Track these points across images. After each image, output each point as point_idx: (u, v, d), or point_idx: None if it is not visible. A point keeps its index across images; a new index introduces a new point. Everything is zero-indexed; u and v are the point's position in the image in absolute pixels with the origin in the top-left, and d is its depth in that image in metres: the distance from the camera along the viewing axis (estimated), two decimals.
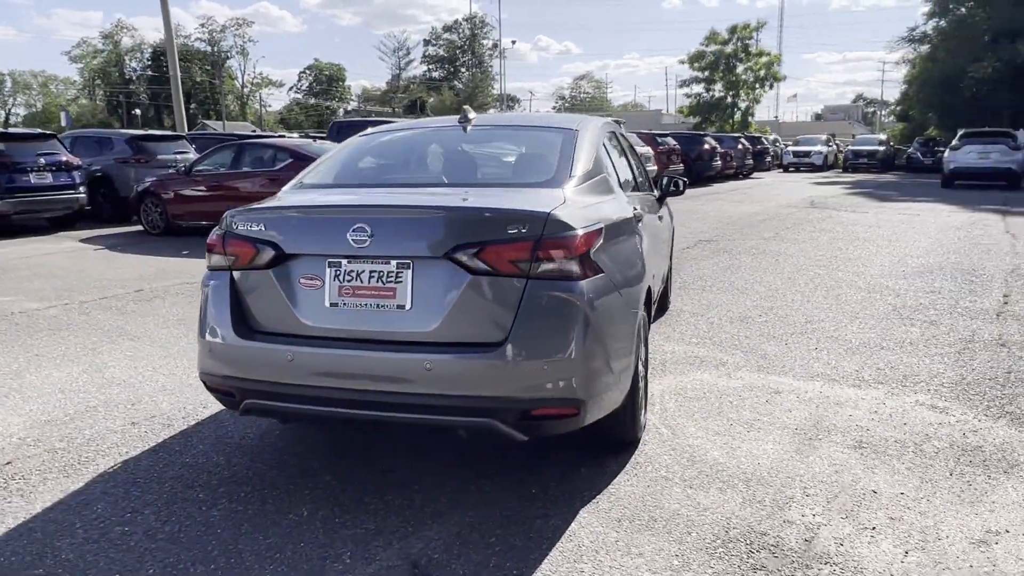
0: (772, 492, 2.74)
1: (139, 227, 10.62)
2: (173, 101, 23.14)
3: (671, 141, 20.28)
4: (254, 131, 35.46)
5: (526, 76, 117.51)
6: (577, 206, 2.68)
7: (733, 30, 36.38)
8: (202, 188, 9.98)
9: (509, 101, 78.58)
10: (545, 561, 2.30)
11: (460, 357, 2.43)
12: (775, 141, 31.73)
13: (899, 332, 4.93)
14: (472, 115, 3.52)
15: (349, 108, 78.83)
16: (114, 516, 2.61)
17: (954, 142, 20.27)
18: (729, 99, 36.21)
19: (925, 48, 35.40)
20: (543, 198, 2.67)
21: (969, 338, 4.78)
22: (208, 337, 2.76)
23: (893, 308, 5.64)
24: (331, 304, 2.58)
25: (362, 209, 2.65)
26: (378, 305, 2.53)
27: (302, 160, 9.52)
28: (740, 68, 36.04)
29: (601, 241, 2.64)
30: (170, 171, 10.90)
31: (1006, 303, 5.76)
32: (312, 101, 79.04)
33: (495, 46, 74.46)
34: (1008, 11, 29.73)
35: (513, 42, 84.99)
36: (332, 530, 2.50)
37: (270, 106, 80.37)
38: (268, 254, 2.66)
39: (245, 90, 78.46)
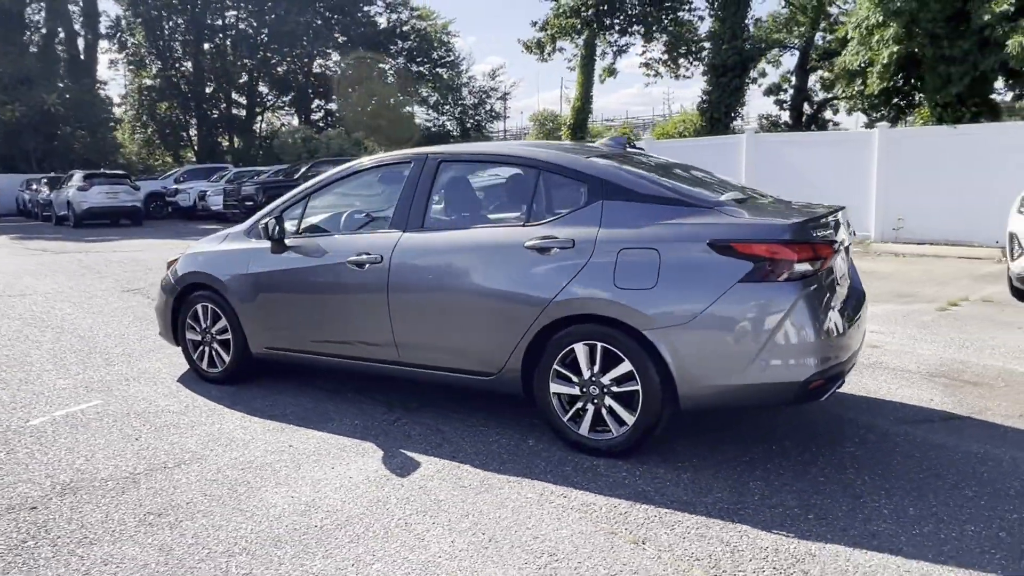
0: None
1: None
2: None
3: None
4: None
5: None
6: None
7: None
8: None
9: None
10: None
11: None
12: None
13: None
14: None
15: None
16: None
17: (79, 183, 20.56)
18: None
19: None
20: None
21: None
22: (824, 339, 3.14)
23: None
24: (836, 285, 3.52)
25: (836, 209, 3.63)
26: (840, 276, 3.60)
27: None
28: None
29: None
30: None
31: None
32: None
33: None
34: (28, 60, 30.27)
35: None
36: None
37: None
38: (833, 251, 3.31)
39: None
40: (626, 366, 3.32)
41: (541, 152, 3.84)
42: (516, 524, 2.84)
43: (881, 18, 11.78)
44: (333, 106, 40.69)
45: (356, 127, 33.59)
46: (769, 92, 26.44)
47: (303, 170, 18.20)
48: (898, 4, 11.35)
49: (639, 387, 3.30)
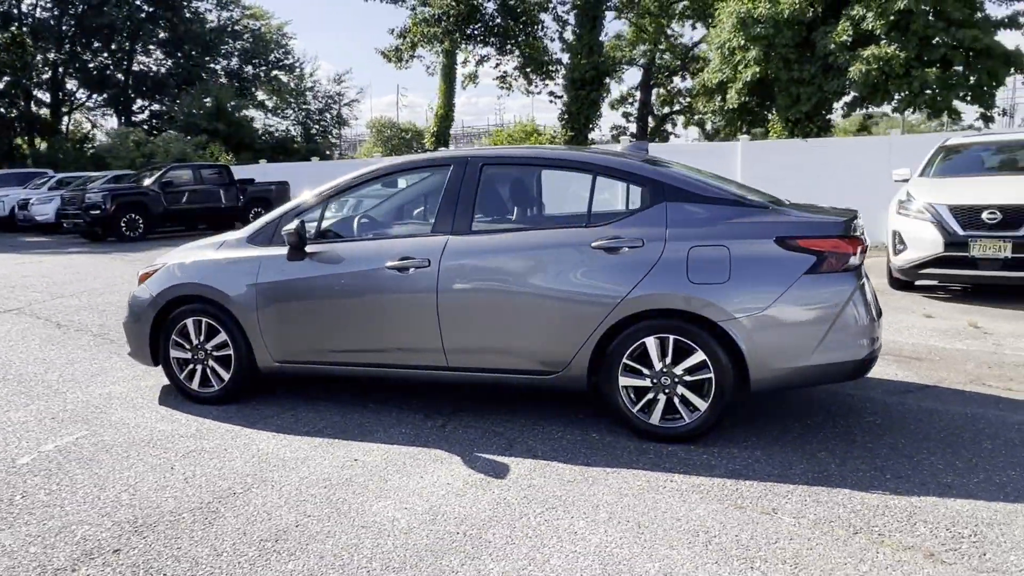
0: None
1: None
2: None
3: None
4: None
5: None
6: None
7: None
8: None
9: None
10: None
11: None
12: None
13: None
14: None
15: None
16: None
17: None
18: None
19: None
20: None
21: None
22: (872, 322, 3.58)
23: None
24: None
25: (856, 212, 4.03)
26: None
27: None
28: None
29: None
30: None
31: None
32: None
33: None
34: None
35: None
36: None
37: None
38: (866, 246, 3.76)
39: None
40: (699, 356, 3.55)
41: (592, 156, 3.99)
42: (650, 509, 2.97)
43: (743, 41, 13.16)
44: (158, 107, 37.46)
45: (191, 130, 31.26)
46: (614, 106, 28.17)
47: (157, 175, 16.71)
48: (758, 30, 12.75)
49: (712, 375, 3.55)
